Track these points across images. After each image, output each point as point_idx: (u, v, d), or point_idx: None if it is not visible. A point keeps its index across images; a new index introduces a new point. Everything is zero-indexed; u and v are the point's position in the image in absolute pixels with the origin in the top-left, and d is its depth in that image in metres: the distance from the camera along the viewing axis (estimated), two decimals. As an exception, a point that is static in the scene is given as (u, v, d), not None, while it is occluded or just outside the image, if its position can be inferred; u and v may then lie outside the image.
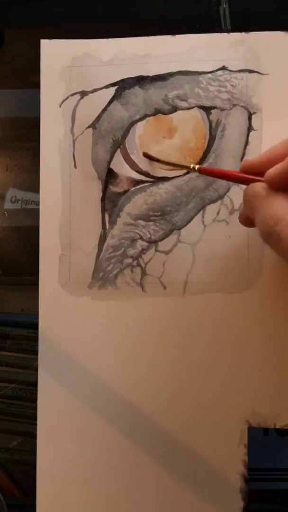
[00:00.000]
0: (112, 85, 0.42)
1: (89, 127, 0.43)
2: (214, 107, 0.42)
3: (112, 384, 0.41)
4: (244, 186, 0.35)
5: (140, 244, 0.42)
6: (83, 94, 0.43)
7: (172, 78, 0.42)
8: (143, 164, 0.42)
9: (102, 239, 0.42)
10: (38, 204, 0.43)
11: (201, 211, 0.41)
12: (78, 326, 0.42)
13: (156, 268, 0.41)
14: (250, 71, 0.42)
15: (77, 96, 0.43)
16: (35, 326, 0.42)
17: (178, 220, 0.41)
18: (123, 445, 0.41)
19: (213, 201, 0.41)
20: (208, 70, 0.42)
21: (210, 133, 0.42)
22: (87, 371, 0.41)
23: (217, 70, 0.42)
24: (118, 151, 0.42)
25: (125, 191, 0.42)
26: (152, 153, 0.42)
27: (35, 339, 0.42)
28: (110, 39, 0.43)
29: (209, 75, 0.42)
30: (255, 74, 0.42)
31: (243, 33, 0.42)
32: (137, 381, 0.41)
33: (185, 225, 0.41)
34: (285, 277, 0.40)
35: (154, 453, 0.41)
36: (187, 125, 0.42)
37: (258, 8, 0.49)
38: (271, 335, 0.40)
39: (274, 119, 0.41)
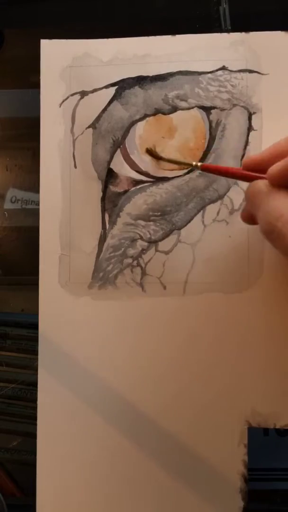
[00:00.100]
0: (112, 85, 0.42)
1: (89, 127, 0.43)
2: (214, 107, 0.42)
3: (112, 384, 0.41)
4: (245, 184, 0.35)
5: (140, 244, 0.42)
6: (83, 94, 0.43)
7: (172, 78, 0.42)
8: (143, 164, 0.42)
9: (102, 239, 0.42)
10: (38, 204, 0.43)
11: (201, 211, 0.41)
12: (78, 326, 0.42)
13: (156, 268, 0.41)
14: (250, 71, 0.42)
15: (77, 96, 0.43)
16: (35, 326, 0.42)
17: (178, 220, 0.41)
18: (123, 444, 0.41)
19: (213, 201, 0.41)
20: (208, 70, 0.42)
21: (210, 133, 0.42)
22: (87, 371, 0.41)
23: (217, 70, 0.42)
24: (118, 151, 0.42)
25: (125, 191, 0.42)
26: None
27: (35, 339, 0.42)
28: (110, 39, 0.43)
29: (209, 75, 0.42)
30: (255, 74, 0.42)
31: (243, 33, 0.42)
32: (137, 381, 0.41)
33: (185, 225, 0.41)
34: (285, 277, 0.40)
35: (154, 453, 0.41)
36: (187, 125, 0.42)
37: (258, 8, 0.49)
38: (271, 335, 0.40)
39: (274, 119, 0.41)
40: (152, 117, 0.42)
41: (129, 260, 0.42)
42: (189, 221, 0.41)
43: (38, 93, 0.43)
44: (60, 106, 0.43)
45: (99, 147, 0.42)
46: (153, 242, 0.42)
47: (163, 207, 0.42)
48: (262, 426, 0.40)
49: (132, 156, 0.42)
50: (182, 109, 0.42)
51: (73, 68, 0.43)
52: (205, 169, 0.39)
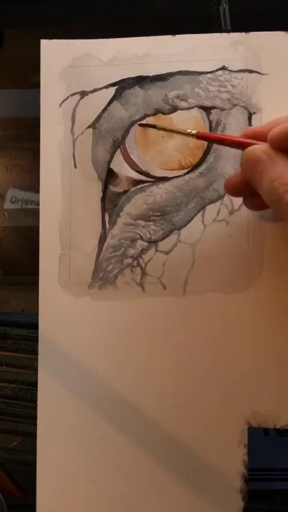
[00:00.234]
0: (112, 85, 0.42)
1: (89, 127, 0.43)
2: (214, 107, 0.42)
3: (112, 384, 0.41)
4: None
5: (140, 244, 0.42)
6: (83, 94, 0.43)
7: (172, 78, 0.42)
8: (143, 164, 0.42)
9: (102, 239, 0.42)
10: (38, 204, 0.43)
11: (201, 211, 0.41)
12: (78, 326, 0.42)
13: (156, 268, 0.41)
14: (250, 71, 0.42)
15: (77, 96, 0.43)
16: (35, 326, 0.42)
17: (178, 220, 0.41)
18: (123, 444, 0.41)
19: (213, 201, 0.41)
20: (208, 70, 0.42)
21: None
22: (87, 371, 0.41)
23: (217, 70, 0.42)
24: (118, 151, 0.42)
25: (125, 191, 0.42)
26: (152, 153, 0.42)
27: (35, 339, 0.42)
28: (110, 39, 0.43)
29: (209, 75, 0.42)
30: (255, 74, 0.42)
31: (243, 33, 0.42)
32: (137, 381, 0.41)
33: (185, 225, 0.41)
34: (285, 277, 0.40)
35: (154, 453, 0.41)
36: (187, 125, 0.42)
37: (258, 8, 0.49)
38: (271, 335, 0.40)
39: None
40: (152, 117, 0.42)
41: (129, 260, 0.42)
42: (189, 221, 0.41)
43: (38, 93, 0.43)
44: (60, 106, 0.43)
45: (99, 147, 0.42)
46: (153, 242, 0.42)
47: (163, 207, 0.42)
48: (262, 426, 0.40)
49: (132, 156, 0.42)
50: (182, 109, 0.42)
51: (73, 68, 0.43)
52: (201, 137, 0.38)
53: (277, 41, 0.42)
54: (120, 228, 0.42)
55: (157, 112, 0.42)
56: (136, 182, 0.42)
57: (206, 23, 0.47)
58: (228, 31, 0.45)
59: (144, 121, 0.42)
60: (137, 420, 0.41)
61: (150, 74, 0.42)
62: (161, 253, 0.41)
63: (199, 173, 0.41)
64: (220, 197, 0.41)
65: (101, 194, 0.42)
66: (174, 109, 0.42)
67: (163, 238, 0.42)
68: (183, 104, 0.42)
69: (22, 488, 0.46)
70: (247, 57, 0.42)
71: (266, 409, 0.40)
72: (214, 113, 0.42)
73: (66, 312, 0.42)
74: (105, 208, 0.42)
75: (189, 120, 0.42)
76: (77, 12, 0.51)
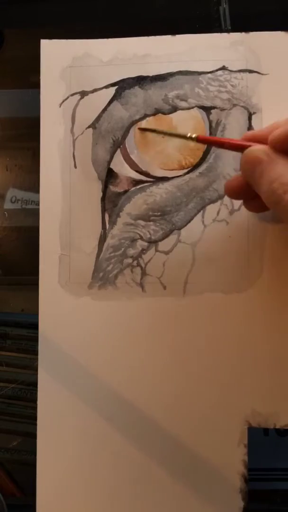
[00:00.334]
0: (112, 85, 0.42)
1: (89, 127, 0.43)
2: (214, 107, 0.42)
3: (112, 384, 0.41)
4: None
5: (140, 244, 0.42)
6: (83, 94, 0.43)
7: (172, 78, 0.42)
8: (143, 164, 0.42)
9: (102, 239, 0.42)
10: (38, 204, 0.43)
11: (201, 211, 0.41)
12: (78, 326, 0.42)
13: (156, 268, 0.41)
14: (250, 71, 0.42)
15: (77, 96, 0.43)
16: (35, 326, 0.42)
17: (178, 220, 0.41)
18: (123, 444, 0.41)
19: (213, 201, 0.41)
20: (208, 70, 0.42)
21: (210, 133, 0.42)
22: (87, 371, 0.41)
23: (217, 70, 0.42)
24: (118, 151, 0.42)
25: (125, 191, 0.42)
26: (152, 153, 0.42)
27: (35, 339, 0.42)
28: (110, 39, 0.43)
29: (209, 75, 0.42)
30: (255, 74, 0.42)
31: (243, 33, 0.42)
32: (137, 381, 0.41)
33: (185, 225, 0.41)
34: (285, 277, 0.40)
35: (154, 453, 0.41)
36: (187, 125, 0.42)
37: (258, 8, 0.49)
38: (271, 335, 0.40)
39: (274, 119, 0.40)
40: (152, 117, 0.42)
41: (129, 260, 0.42)
42: (189, 221, 0.41)
43: (38, 93, 0.43)
44: (60, 106, 0.43)
45: (99, 147, 0.42)
46: (153, 242, 0.42)
47: (163, 207, 0.42)
48: (262, 426, 0.40)
49: (132, 156, 0.42)
50: (182, 109, 0.42)
51: (73, 68, 0.43)
52: (201, 140, 0.38)
53: (277, 41, 0.42)
54: (120, 228, 0.42)
55: (157, 112, 0.42)
56: (136, 182, 0.42)
57: (206, 23, 0.47)
58: (228, 31, 0.45)
59: (144, 121, 0.42)
60: (137, 420, 0.41)
61: (150, 74, 0.42)
62: (161, 253, 0.41)
63: (199, 173, 0.41)
64: (220, 197, 0.41)
65: (101, 194, 0.42)
66: (174, 109, 0.42)
67: (163, 238, 0.42)
68: (183, 104, 0.42)
69: (22, 488, 0.46)
70: (247, 57, 0.42)
71: (266, 409, 0.40)
72: (214, 113, 0.42)
73: (66, 312, 0.42)
74: (105, 208, 0.42)
75: (189, 120, 0.42)
76: (77, 12, 0.51)
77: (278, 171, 0.32)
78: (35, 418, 0.42)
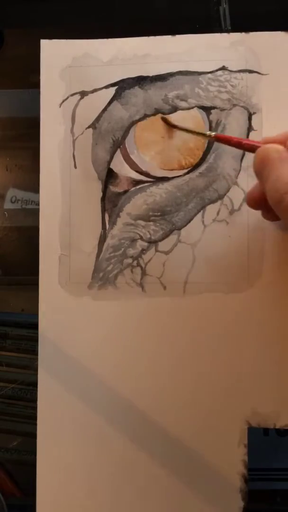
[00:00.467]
0: (112, 85, 0.42)
1: (89, 127, 0.43)
2: (214, 107, 0.42)
3: (111, 384, 0.41)
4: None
5: (140, 244, 0.42)
6: (83, 94, 0.43)
7: (172, 78, 0.42)
8: (143, 164, 0.42)
9: (102, 239, 0.42)
10: (38, 204, 0.43)
11: (201, 211, 0.41)
12: (78, 326, 0.42)
13: (156, 268, 0.41)
14: (250, 71, 0.42)
15: (77, 96, 0.43)
16: (35, 326, 0.42)
17: (178, 220, 0.41)
18: (122, 444, 0.41)
19: (213, 201, 0.41)
20: (208, 70, 0.42)
21: (210, 133, 0.42)
22: (87, 371, 0.41)
23: (217, 70, 0.42)
24: (118, 151, 0.42)
25: (125, 191, 0.42)
26: (152, 153, 0.42)
27: (35, 339, 0.42)
28: (110, 39, 0.43)
29: (209, 75, 0.42)
30: (255, 74, 0.42)
31: (243, 33, 0.42)
32: (137, 381, 0.41)
33: (185, 225, 0.41)
34: (285, 277, 0.40)
35: (154, 453, 0.41)
36: (187, 125, 0.41)
37: (258, 8, 0.48)
38: (271, 335, 0.40)
39: (274, 119, 0.41)
40: (152, 117, 0.42)
41: (129, 260, 0.42)
42: (189, 221, 0.41)
43: (38, 93, 0.43)
44: (60, 106, 0.43)
45: (99, 147, 0.42)
46: (153, 242, 0.42)
47: (163, 207, 0.42)
48: (262, 426, 0.40)
49: (132, 156, 0.42)
50: (182, 109, 0.42)
51: (73, 68, 0.43)
52: (218, 139, 0.38)
53: (277, 41, 0.42)
54: (120, 228, 0.42)
55: (157, 112, 0.42)
56: (136, 182, 0.42)
57: (206, 23, 0.47)
58: (228, 31, 0.45)
59: (146, 120, 0.42)
60: (137, 419, 0.41)
61: (150, 74, 0.42)
62: (161, 253, 0.41)
63: (199, 173, 0.41)
64: (220, 197, 0.41)
65: (101, 194, 0.42)
66: (174, 109, 0.42)
67: (163, 238, 0.42)
68: (183, 104, 0.42)
69: (22, 488, 0.46)
70: (247, 57, 0.42)
71: (266, 409, 0.40)
72: (214, 113, 0.42)
73: (66, 312, 0.42)
74: (105, 208, 0.42)
75: (189, 120, 0.42)
76: (77, 12, 0.51)
77: (285, 171, 0.32)
78: (35, 418, 0.42)
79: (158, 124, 0.42)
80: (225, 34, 0.42)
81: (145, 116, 0.42)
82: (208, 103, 0.42)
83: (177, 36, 0.43)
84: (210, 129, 0.42)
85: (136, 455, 0.41)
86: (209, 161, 0.41)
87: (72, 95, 0.43)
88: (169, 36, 0.43)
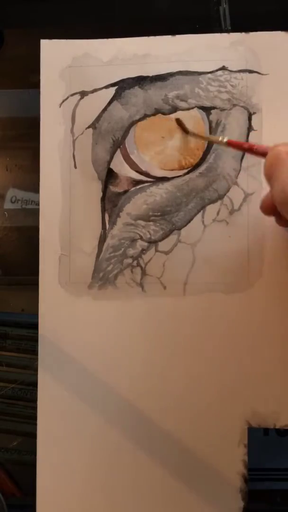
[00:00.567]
0: (112, 85, 0.42)
1: (89, 127, 0.43)
2: (214, 107, 0.42)
3: (112, 384, 0.41)
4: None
5: (140, 244, 0.42)
6: (83, 94, 0.43)
7: (172, 78, 0.42)
8: (143, 164, 0.42)
9: (102, 239, 0.42)
10: (38, 204, 0.43)
11: (201, 211, 0.41)
12: (78, 326, 0.42)
13: (156, 268, 0.41)
14: (250, 71, 0.42)
15: (77, 96, 0.43)
16: (35, 326, 0.42)
17: (178, 220, 0.41)
18: (123, 444, 0.41)
19: (213, 201, 0.41)
20: (208, 70, 0.42)
21: (210, 133, 0.42)
22: (87, 371, 0.41)
23: (217, 70, 0.42)
24: (118, 151, 0.42)
25: (125, 191, 0.42)
26: (152, 153, 0.42)
27: (35, 339, 0.42)
28: (110, 39, 0.43)
29: (209, 75, 0.42)
30: (255, 74, 0.42)
31: (243, 33, 0.42)
32: (137, 381, 0.41)
33: (185, 225, 0.41)
34: (285, 277, 0.40)
35: (154, 453, 0.41)
36: (187, 125, 0.41)
37: (258, 8, 0.48)
38: (271, 335, 0.40)
39: (274, 119, 0.41)
40: (152, 117, 0.42)
41: (129, 260, 0.42)
42: (189, 221, 0.41)
43: (38, 93, 0.43)
44: (60, 106, 0.43)
45: (99, 147, 0.42)
46: (153, 242, 0.42)
47: (163, 207, 0.42)
48: (262, 426, 0.40)
49: (132, 156, 0.42)
50: (182, 109, 0.42)
51: (73, 68, 0.43)
52: (230, 144, 0.38)
53: (277, 41, 0.42)
54: (120, 228, 0.42)
55: (157, 112, 0.42)
56: (136, 182, 0.42)
57: (206, 23, 0.47)
58: (228, 31, 0.45)
59: (146, 120, 0.42)
60: (137, 419, 0.41)
61: (150, 74, 0.42)
62: (161, 253, 0.41)
63: (199, 173, 0.41)
64: (220, 197, 0.41)
65: (101, 194, 0.42)
66: (174, 109, 0.42)
67: (163, 238, 0.42)
68: (183, 104, 0.42)
69: (22, 488, 0.46)
70: (247, 57, 0.42)
71: (266, 409, 0.40)
72: (214, 113, 0.42)
73: (66, 312, 0.42)
74: (105, 208, 0.42)
75: (189, 120, 0.42)
76: (77, 12, 0.51)
77: None
78: (35, 418, 0.42)
79: (158, 124, 0.42)
80: (225, 34, 0.42)
81: (145, 116, 0.42)
82: (208, 103, 0.42)
83: (177, 36, 0.43)
84: (210, 129, 0.42)
85: (136, 455, 0.41)
86: (209, 161, 0.41)
87: (72, 95, 0.43)
88: (169, 36, 0.43)
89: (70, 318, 0.42)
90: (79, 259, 0.42)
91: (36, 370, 0.42)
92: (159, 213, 0.42)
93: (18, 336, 0.48)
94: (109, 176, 0.42)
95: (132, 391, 0.41)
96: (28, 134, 0.49)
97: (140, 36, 0.43)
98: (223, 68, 0.42)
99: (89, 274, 0.42)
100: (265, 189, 0.40)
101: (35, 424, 0.42)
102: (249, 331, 0.41)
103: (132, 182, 0.42)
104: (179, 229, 0.41)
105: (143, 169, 0.42)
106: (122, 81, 0.42)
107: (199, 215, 0.41)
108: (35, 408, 0.42)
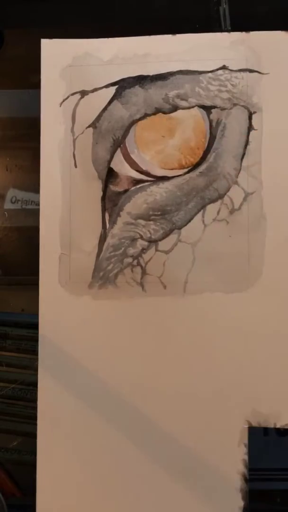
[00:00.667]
0: (113, 84, 0.42)
1: (89, 126, 0.43)
2: (214, 107, 0.42)
3: (111, 383, 0.41)
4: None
5: (140, 243, 0.42)
6: (84, 93, 0.43)
7: (173, 77, 0.42)
8: (143, 163, 0.42)
9: (102, 238, 0.42)
10: (38, 204, 0.43)
11: (201, 210, 0.41)
12: (78, 325, 0.42)
13: (156, 268, 0.41)
14: (251, 71, 0.42)
15: (78, 96, 0.43)
16: (35, 326, 0.42)
17: (178, 219, 0.41)
18: (122, 444, 0.41)
19: (213, 201, 0.41)
20: (209, 70, 0.42)
21: (211, 133, 0.42)
22: (87, 371, 0.41)
23: (217, 69, 0.42)
24: (119, 150, 0.42)
25: (125, 191, 0.42)
26: (152, 152, 0.42)
27: (35, 339, 0.42)
28: (110, 39, 0.43)
29: (210, 74, 0.42)
30: (255, 73, 0.42)
31: (244, 32, 0.42)
32: (136, 381, 0.41)
33: (185, 225, 0.41)
34: (285, 277, 0.40)
35: (154, 453, 0.40)
36: (188, 125, 0.42)
37: (258, 8, 0.49)
38: (271, 335, 0.40)
39: (274, 119, 0.41)
40: (152, 116, 0.42)
41: (129, 260, 0.42)
42: (189, 221, 0.41)
43: (38, 93, 0.43)
44: (60, 106, 0.43)
45: (100, 147, 0.42)
46: (153, 242, 0.42)
47: (163, 207, 0.42)
48: (262, 426, 0.40)
49: (132, 156, 0.42)
50: (183, 108, 0.42)
51: (74, 67, 0.43)
52: None
53: (277, 41, 0.42)
54: (120, 227, 0.42)
55: (157, 111, 0.42)
56: (137, 182, 0.42)
57: (206, 23, 0.47)
58: (228, 31, 0.45)
59: (146, 119, 0.42)
60: (137, 419, 0.41)
61: (151, 74, 0.42)
62: (161, 253, 0.41)
63: (199, 172, 0.41)
64: (220, 197, 0.41)
65: (101, 193, 0.42)
66: (175, 108, 0.42)
67: (163, 238, 0.42)
68: (183, 103, 0.42)
69: (22, 488, 0.46)
70: (247, 56, 0.42)
71: (266, 408, 0.40)
72: (214, 112, 0.42)
73: (66, 312, 0.42)
74: (105, 208, 0.42)
75: (189, 119, 0.42)
76: (77, 12, 0.51)
77: None
78: (35, 418, 0.42)
79: (158, 123, 0.42)
80: (225, 34, 0.42)
81: (146, 116, 0.42)
82: (208, 102, 0.42)
83: (178, 35, 0.43)
84: (211, 128, 0.42)
85: (136, 455, 0.41)
86: (210, 160, 0.41)
87: (73, 94, 0.43)
88: (170, 36, 0.43)
89: (70, 318, 0.42)
90: (79, 259, 0.42)
91: (36, 370, 0.42)
92: (159, 213, 0.42)
93: (18, 336, 0.48)
94: (110, 175, 0.42)
95: (131, 390, 0.41)
96: (28, 134, 0.49)
97: (140, 36, 0.43)
98: (223, 68, 0.42)
99: (89, 274, 0.42)
100: (265, 188, 0.41)
101: (35, 424, 0.41)
102: (249, 330, 0.40)
103: (132, 181, 0.42)
104: (179, 228, 0.41)
105: (144, 168, 0.42)
106: (123, 80, 0.42)
107: (199, 214, 0.41)
108: (35, 408, 0.42)
